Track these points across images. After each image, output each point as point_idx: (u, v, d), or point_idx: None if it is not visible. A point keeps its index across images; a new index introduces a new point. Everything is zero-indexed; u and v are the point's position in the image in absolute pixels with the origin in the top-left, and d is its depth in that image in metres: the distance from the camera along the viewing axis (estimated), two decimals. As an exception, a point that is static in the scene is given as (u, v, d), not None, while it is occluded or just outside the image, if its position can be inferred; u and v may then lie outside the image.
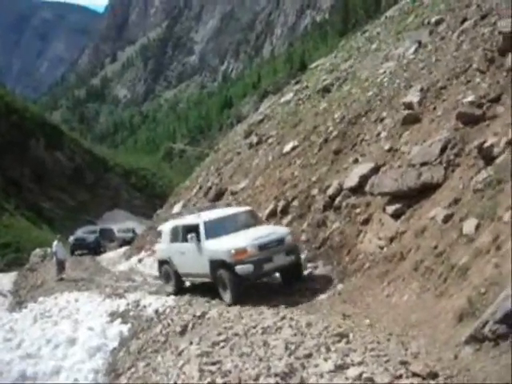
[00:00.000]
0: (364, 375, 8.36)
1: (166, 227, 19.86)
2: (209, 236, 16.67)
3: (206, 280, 17.14)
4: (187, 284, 19.44)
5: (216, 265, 16.06)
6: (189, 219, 18.75)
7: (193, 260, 17.27)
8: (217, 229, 16.84)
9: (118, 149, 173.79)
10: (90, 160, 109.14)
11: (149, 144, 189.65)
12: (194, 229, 17.21)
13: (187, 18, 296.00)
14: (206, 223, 17.05)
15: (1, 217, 71.03)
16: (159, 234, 21.01)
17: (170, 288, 19.14)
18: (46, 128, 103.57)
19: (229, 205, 21.98)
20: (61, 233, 40.32)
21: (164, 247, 19.51)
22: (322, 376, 8.63)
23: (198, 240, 16.81)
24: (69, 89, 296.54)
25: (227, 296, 15.74)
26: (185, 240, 17.34)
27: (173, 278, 18.94)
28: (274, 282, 17.58)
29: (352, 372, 8.56)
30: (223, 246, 15.93)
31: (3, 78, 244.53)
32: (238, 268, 15.31)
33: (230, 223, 17.32)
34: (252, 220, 17.92)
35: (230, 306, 15.11)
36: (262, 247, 15.60)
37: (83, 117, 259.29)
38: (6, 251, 59.31)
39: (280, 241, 15.97)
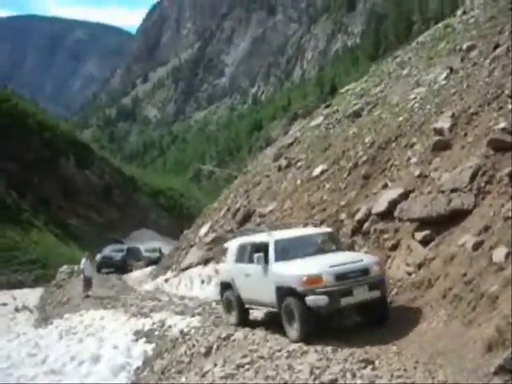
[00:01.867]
0: None
1: (232, 244, 17.20)
2: (279, 258, 14.23)
3: (272, 310, 14.47)
4: (258, 314, 16.64)
5: (283, 292, 13.59)
6: (259, 237, 16.07)
7: (258, 284, 14.79)
8: (289, 250, 14.49)
9: (147, 169, 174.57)
10: (119, 179, 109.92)
11: (178, 165, 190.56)
12: (262, 248, 14.75)
13: (219, 40, 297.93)
14: (276, 242, 14.62)
15: (29, 233, 71.63)
16: (225, 252, 18.62)
17: (231, 318, 16.28)
18: (76, 146, 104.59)
19: (306, 224, 18.92)
20: (88, 250, 40.64)
21: (228, 268, 16.84)
22: None
23: (266, 262, 14.37)
24: (100, 108, 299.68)
25: (293, 331, 13.24)
26: (251, 260, 14.93)
27: (235, 306, 16.05)
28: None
29: None
30: (294, 270, 13.50)
31: (36, 96, 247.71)
32: (310, 299, 12.78)
33: (306, 245, 14.90)
34: (332, 243, 15.29)
35: (295, 342, 12.78)
36: (341, 277, 13.02)
37: (113, 136, 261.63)
38: (34, 267, 59.77)
39: (364, 271, 13.28)
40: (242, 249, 16.09)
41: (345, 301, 12.95)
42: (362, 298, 13.10)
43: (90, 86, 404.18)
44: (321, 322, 13.22)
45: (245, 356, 12.01)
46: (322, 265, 13.29)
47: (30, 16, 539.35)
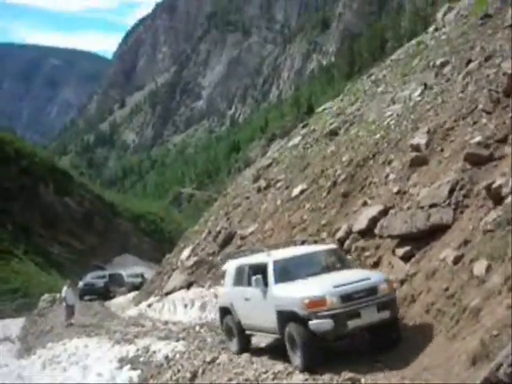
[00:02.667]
0: None
1: (230, 266, 16.02)
2: (279, 279, 13.10)
3: (274, 336, 13.42)
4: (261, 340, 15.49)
5: (285, 317, 12.44)
6: (257, 257, 14.98)
7: (257, 309, 13.68)
8: (290, 270, 13.39)
9: (127, 194, 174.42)
10: (99, 205, 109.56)
11: (157, 189, 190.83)
12: (261, 269, 13.65)
13: (195, 63, 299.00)
14: (276, 263, 13.51)
15: (10, 262, 71.14)
16: (223, 275, 17.63)
17: (233, 346, 15.17)
18: (55, 173, 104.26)
19: (305, 242, 18.04)
20: (70, 278, 40.46)
21: (226, 291, 15.75)
22: None
23: (265, 284, 13.26)
24: (78, 134, 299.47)
25: (297, 359, 12.05)
26: (250, 283, 13.83)
27: (235, 333, 14.98)
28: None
29: None
30: (295, 292, 12.37)
31: (13, 124, 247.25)
32: (313, 323, 11.63)
33: (308, 264, 13.74)
34: (336, 261, 14.05)
35: (301, 371, 11.73)
36: (346, 298, 11.83)
37: (92, 162, 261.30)
38: (15, 296, 59.27)
39: (371, 290, 12.08)
40: (240, 271, 15.01)
41: (352, 324, 11.78)
42: (371, 320, 11.94)
43: (68, 113, 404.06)
44: (326, 348, 12.28)
45: (230, 379, 11.97)
46: (325, 285, 12.16)
47: (5, 44, 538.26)
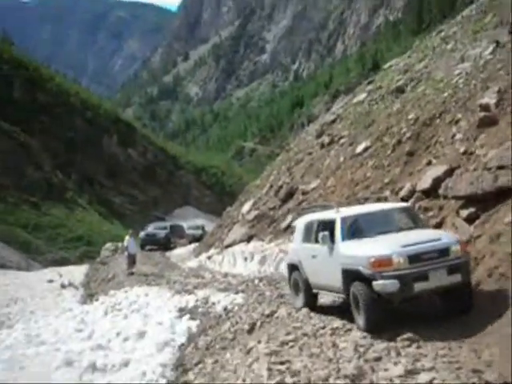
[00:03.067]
0: (435, 381, 8.24)
1: (299, 222, 15.30)
2: (346, 237, 12.44)
3: (340, 295, 12.76)
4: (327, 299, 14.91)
5: (350, 276, 11.84)
6: (325, 214, 14.19)
7: (324, 267, 13.14)
8: (358, 228, 12.80)
9: (189, 147, 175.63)
10: (161, 157, 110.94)
11: (220, 142, 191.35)
12: (329, 226, 13.03)
13: (259, 17, 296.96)
14: (344, 219, 12.81)
15: (74, 211, 72.89)
16: (293, 231, 16.66)
17: (298, 302, 14.61)
18: (119, 125, 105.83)
19: (380, 199, 17.57)
20: (132, 228, 41.10)
21: (295, 248, 15.11)
22: (391, 380, 8.55)
23: (332, 241, 12.61)
24: (141, 86, 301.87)
25: (360, 320, 11.54)
26: (318, 240, 13.14)
27: (302, 290, 14.39)
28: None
29: (423, 378, 8.45)
30: (361, 250, 11.72)
31: (79, 75, 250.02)
32: (378, 284, 11.00)
33: (378, 222, 12.96)
34: (409, 220, 13.16)
35: (365, 332, 11.24)
36: (415, 258, 11.07)
37: (155, 114, 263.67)
38: (79, 244, 60.92)
39: (442, 251, 11.23)
40: (308, 227, 14.38)
41: (419, 286, 11.01)
42: (440, 283, 11.12)
43: (132, 65, 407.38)
44: (391, 309, 11.51)
45: (289, 333, 12.01)
46: (392, 244, 11.42)
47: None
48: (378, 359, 9.52)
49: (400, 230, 12.63)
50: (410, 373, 8.66)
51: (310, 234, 14.02)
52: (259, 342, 12.02)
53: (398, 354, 9.64)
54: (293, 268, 14.83)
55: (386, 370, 8.98)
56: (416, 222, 13.05)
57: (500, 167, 13.86)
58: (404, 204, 14.92)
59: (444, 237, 11.85)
